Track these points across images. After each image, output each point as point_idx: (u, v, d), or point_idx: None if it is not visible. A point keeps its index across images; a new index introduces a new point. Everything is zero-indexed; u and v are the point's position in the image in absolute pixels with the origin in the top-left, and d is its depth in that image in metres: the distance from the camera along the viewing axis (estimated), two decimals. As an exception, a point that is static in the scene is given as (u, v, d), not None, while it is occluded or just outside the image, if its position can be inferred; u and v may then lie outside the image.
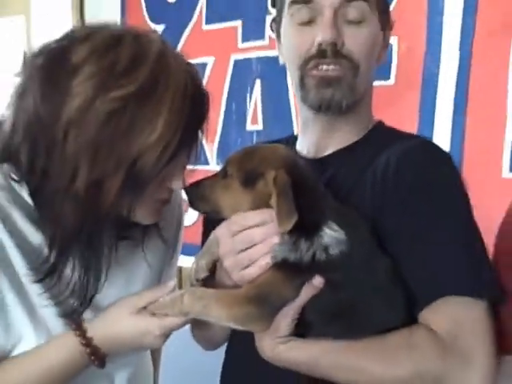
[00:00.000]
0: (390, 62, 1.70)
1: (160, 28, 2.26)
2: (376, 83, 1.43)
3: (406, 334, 0.98)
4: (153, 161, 0.95)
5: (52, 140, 0.93)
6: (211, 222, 1.12)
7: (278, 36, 1.19)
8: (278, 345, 1.00)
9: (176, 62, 0.99)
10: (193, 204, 1.08)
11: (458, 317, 0.98)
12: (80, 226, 0.98)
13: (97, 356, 1.07)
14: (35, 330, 1.07)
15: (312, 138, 1.16)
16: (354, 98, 1.11)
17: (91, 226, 0.99)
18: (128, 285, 1.21)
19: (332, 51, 1.06)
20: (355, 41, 1.08)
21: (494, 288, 0.99)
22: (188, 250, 1.32)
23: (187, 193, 1.08)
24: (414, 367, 0.96)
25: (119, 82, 0.92)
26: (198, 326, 1.22)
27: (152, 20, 2.28)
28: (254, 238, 0.98)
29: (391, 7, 1.63)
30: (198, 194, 1.06)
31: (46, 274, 1.02)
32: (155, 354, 1.41)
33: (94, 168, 0.94)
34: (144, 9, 2.34)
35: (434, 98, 1.63)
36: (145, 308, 1.05)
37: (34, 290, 1.05)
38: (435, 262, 1.00)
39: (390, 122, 1.23)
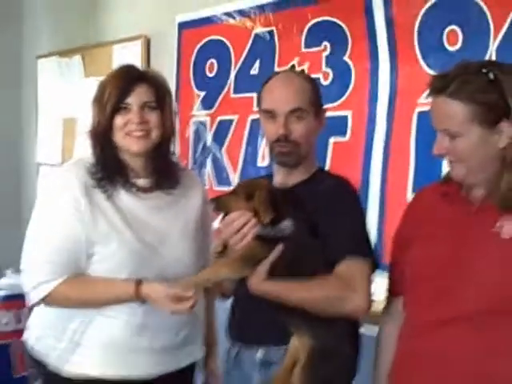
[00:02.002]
0: (346, 126, 2.35)
1: (202, 93, 2.95)
2: (339, 139, 2.23)
3: (325, 277, 1.54)
4: (111, 104, 1.62)
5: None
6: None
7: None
8: (258, 283, 1.53)
9: (124, 67, 1.71)
10: (215, 206, 1.65)
11: (352, 268, 1.54)
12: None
13: (140, 301, 1.62)
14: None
15: (280, 177, 1.73)
16: (298, 159, 1.67)
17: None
18: (172, 223, 1.74)
19: (284, 139, 1.64)
20: (297, 132, 1.65)
21: (372, 255, 1.61)
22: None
23: (213, 199, 1.66)
24: (325, 292, 1.53)
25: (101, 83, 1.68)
26: (216, 290, 1.78)
27: (197, 88, 2.95)
28: (238, 224, 1.52)
29: (348, 92, 2.39)
30: (219, 201, 1.63)
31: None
32: (209, 299, 1.91)
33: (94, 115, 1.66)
34: (192, 79, 2.99)
35: (371, 149, 2.29)
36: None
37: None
38: (342, 237, 1.56)
39: (344, 163, 1.93)
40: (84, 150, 3.54)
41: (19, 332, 3.64)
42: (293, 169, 1.72)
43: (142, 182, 1.74)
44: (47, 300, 1.67)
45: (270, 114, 1.67)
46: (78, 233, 1.65)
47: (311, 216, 1.61)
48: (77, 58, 3.80)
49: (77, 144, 3.85)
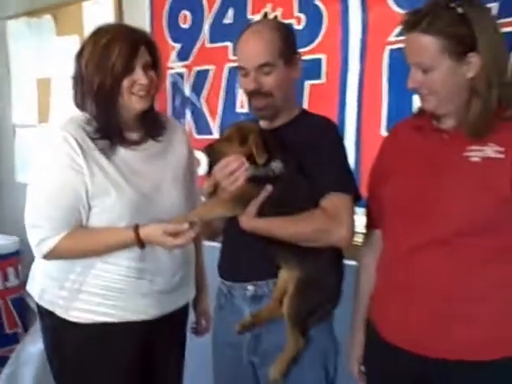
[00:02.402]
0: (321, 68, 2.40)
1: (177, 45, 2.95)
2: (314, 81, 2.29)
3: (311, 211, 1.64)
4: (120, 67, 1.66)
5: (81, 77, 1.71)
6: (211, 166, 1.74)
7: None
8: (249, 220, 1.64)
9: (124, 28, 1.72)
10: (209, 154, 1.73)
11: (336, 202, 1.64)
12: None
13: (140, 245, 1.70)
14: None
15: (263, 123, 1.79)
16: (275, 111, 1.74)
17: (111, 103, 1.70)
18: (163, 172, 1.81)
19: (257, 92, 1.71)
20: (268, 84, 1.70)
21: (354, 190, 1.72)
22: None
23: (206, 148, 1.71)
24: (313, 225, 1.62)
25: (99, 43, 1.68)
26: (205, 226, 1.77)
27: (172, 40, 2.96)
28: (232, 168, 1.61)
29: (320, 36, 2.41)
30: (212, 149, 1.70)
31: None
32: (197, 243, 2.00)
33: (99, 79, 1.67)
34: (166, 31, 3.00)
35: (346, 90, 2.35)
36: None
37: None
38: (327, 174, 1.65)
39: (321, 105, 1.98)
40: (61, 108, 3.66)
41: (8, 290, 3.82)
42: (274, 118, 1.78)
43: (134, 135, 1.82)
44: (52, 254, 1.74)
45: (243, 70, 1.73)
46: (77, 188, 1.71)
47: (297, 155, 1.68)
48: (47, 18, 3.74)
49: (52, 103, 3.84)
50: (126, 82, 1.71)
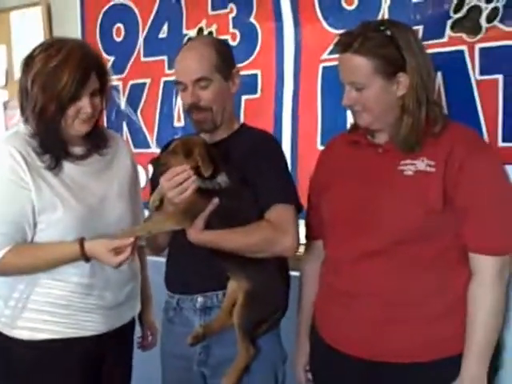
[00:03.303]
0: (257, 83, 2.47)
1: (111, 58, 2.94)
2: (250, 96, 2.35)
3: (257, 223, 1.68)
4: (67, 94, 1.62)
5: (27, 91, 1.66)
6: (155, 179, 1.79)
7: None
8: (196, 233, 1.65)
9: (77, 51, 1.65)
10: (155, 167, 1.77)
11: (280, 213, 1.69)
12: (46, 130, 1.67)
13: (85, 259, 1.68)
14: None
15: (209, 134, 1.81)
16: (214, 124, 1.78)
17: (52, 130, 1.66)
18: (109, 185, 1.81)
19: (195, 106, 1.75)
20: (205, 98, 1.74)
21: (297, 201, 1.77)
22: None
23: (152, 161, 1.75)
24: (259, 237, 1.66)
25: (49, 63, 1.62)
26: (151, 240, 1.87)
27: (105, 53, 2.91)
28: (179, 179, 1.61)
29: (256, 52, 2.49)
30: (158, 162, 1.73)
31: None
32: (142, 257, 2.03)
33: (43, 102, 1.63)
34: (99, 44, 2.98)
35: (282, 104, 2.44)
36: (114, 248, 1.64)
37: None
38: (270, 186, 1.70)
39: (257, 119, 2.04)
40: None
41: None
42: (214, 131, 1.83)
43: (78, 149, 1.81)
44: None
45: (180, 84, 1.77)
46: (23, 203, 1.68)
47: (239, 168, 1.73)
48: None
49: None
50: (70, 110, 1.69)
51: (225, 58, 1.79)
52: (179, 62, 1.79)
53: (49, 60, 1.66)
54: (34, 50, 1.72)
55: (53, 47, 1.69)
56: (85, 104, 1.70)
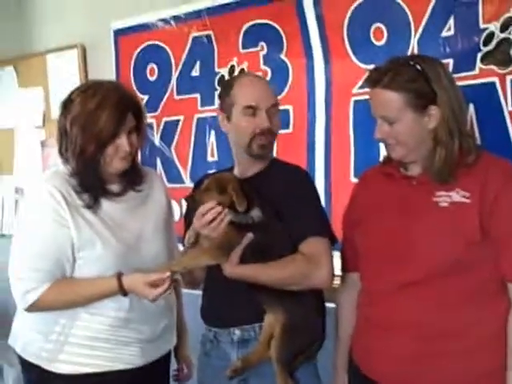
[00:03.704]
0: (289, 119, 2.52)
1: (145, 97, 3.03)
2: (283, 131, 2.37)
3: (292, 256, 1.70)
4: (106, 134, 1.68)
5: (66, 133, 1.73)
6: (189, 215, 1.82)
7: (225, 113, 1.84)
8: (232, 267, 1.67)
9: (114, 93, 1.71)
10: (189, 204, 1.83)
11: (314, 246, 1.70)
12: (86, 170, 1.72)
13: (123, 293, 1.70)
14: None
15: (242, 170, 1.85)
16: (271, 151, 1.87)
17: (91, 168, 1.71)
18: (145, 221, 1.85)
19: (269, 131, 1.79)
20: (277, 124, 1.83)
21: (331, 233, 1.80)
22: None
23: (187, 198, 1.81)
24: (294, 270, 1.68)
25: (87, 104, 1.68)
26: (187, 275, 1.86)
27: (139, 92, 2.97)
28: (209, 218, 1.63)
29: (287, 88, 2.54)
30: (193, 199, 1.76)
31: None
32: (177, 290, 2.03)
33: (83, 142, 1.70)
34: (133, 83, 3.07)
35: (314, 141, 2.49)
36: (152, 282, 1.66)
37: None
38: (303, 219, 1.72)
39: (290, 153, 2.08)
40: (26, 160, 3.65)
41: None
42: (258, 160, 1.86)
43: (115, 187, 1.84)
44: (36, 306, 1.73)
45: (251, 109, 1.78)
46: (63, 241, 1.72)
47: (272, 202, 1.75)
48: (9, 69, 3.78)
49: (17, 155, 3.85)
50: (110, 149, 1.73)
51: None
52: (252, 88, 1.82)
53: (87, 102, 1.71)
54: (72, 93, 1.77)
55: (90, 89, 1.74)
56: (123, 142, 1.74)
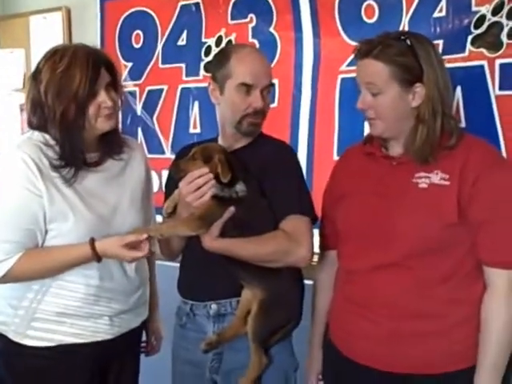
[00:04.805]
0: (274, 93, 2.47)
1: (129, 64, 2.97)
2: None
3: (273, 233, 1.69)
4: (83, 92, 1.62)
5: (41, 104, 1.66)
6: (169, 185, 1.82)
7: (218, 83, 1.78)
8: (211, 240, 1.66)
9: (81, 51, 1.66)
10: (173, 172, 1.78)
11: (296, 224, 1.70)
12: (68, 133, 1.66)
13: (97, 258, 1.66)
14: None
15: (227, 142, 1.82)
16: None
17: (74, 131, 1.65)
18: (121, 192, 1.80)
19: (262, 111, 1.77)
20: (268, 105, 1.80)
21: (312, 212, 1.79)
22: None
23: (171, 166, 1.78)
24: (274, 246, 1.67)
25: (57, 68, 1.62)
26: (164, 245, 1.86)
27: (123, 59, 2.97)
28: (199, 182, 1.62)
29: (274, 62, 2.48)
30: (177, 167, 1.72)
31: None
32: (151, 262, 2.03)
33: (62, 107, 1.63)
34: (117, 50, 3.01)
35: (299, 114, 2.46)
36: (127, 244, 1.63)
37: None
38: (286, 197, 1.71)
39: (273, 128, 1.99)
40: (4, 123, 3.56)
41: None
42: (246, 137, 1.83)
43: (93, 155, 1.79)
44: (8, 277, 1.68)
45: (246, 86, 1.74)
46: (35, 211, 1.66)
47: (256, 177, 1.73)
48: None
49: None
50: (91, 108, 1.68)
51: None
52: (252, 64, 1.76)
53: (56, 66, 1.66)
54: (39, 63, 1.71)
55: (57, 54, 1.69)
56: (103, 98, 1.69)
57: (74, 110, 1.66)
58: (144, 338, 2.10)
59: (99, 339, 1.79)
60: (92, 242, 1.66)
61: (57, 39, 3.23)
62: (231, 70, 1.75)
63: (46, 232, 1.69)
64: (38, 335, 1.74)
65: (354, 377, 1.68)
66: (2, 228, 1.67)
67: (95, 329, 1.78)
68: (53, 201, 1.67)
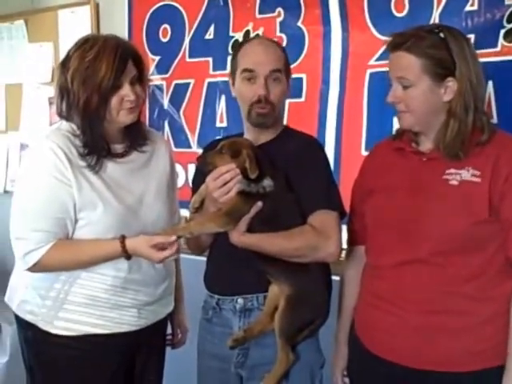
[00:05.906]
0: (302, 87, 2.47)
1: (157, 58, 2.98)
2: (295, 100, 2.34)
3: (300, 228, 1.68)
4: (107, 83, 1.64)
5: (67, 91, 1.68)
6: (197, 180, 1.82)
7: (232, 76, 1.83)
8: (239, 235, 1.66)
9: (111, 42, 1.67)
10: (200, 165, 1.76)
11: (324, 219, 1.69)
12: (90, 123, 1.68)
13: (127, 256, 1.70)
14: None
15: (252, 136, 1.81)
16: (273, 121, 1.78)
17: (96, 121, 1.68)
18: (147, 184, 1.82)
19: (265, 99, 1.73)
20: (275, 93, 1.75)
21: (341, 207, 1.79)
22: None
23: (198, 160, 1.75)
24: (302, 241, 1.66)
25: (85, 57, 1.64)
26: (193, 241, 1.85)
27: (151, 52, 2.98)
28: (226, 178, 1.62)
29: (302, 56, 2.49)
30: (204, 161, 1.72)
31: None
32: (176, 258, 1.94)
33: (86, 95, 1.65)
34: (145, 43, 3.03)
35: (326, 109, 2.44)
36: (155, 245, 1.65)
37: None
38: (314, 192, 1.70)
39: (301, 123, 2.02)
40: (32, 116, 3.61)
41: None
42: (265, 129, 1.82)
43: (119, 147, 1.81)
44: (38, 266, 1.71)
45: (250, 73, 1.75)
46: (65, 200, 1.69)
47: (284, 171, 1.72)
48: (20, 23, 3.70)
49: (24, 110, 3.79)
50: (114, 99, 1.69)
51: (287, 60, 1.83)
52: (254, 52, 1.78)
53: (85, 54, 1.67)
54: (70, 50, 1.73)
55: (87, 43, 1.70)
56: (127, 92, 1.70)
57: (96, 99, 1.67)
58: (169, 330, 2.11)
59: (126, 330, 1.80)
60: (123, 239, 1.68)
61: (85, 33, 3.13)
62: (238, 60, 1.79)
63: (76, 221, 1.71)
64: (66, 325, 1.76)
65: (378, 372, 1.67)
66: (32, 217, 1.69)
67: (122, 320, 1.79)
68: (81, 190, 1.70)
